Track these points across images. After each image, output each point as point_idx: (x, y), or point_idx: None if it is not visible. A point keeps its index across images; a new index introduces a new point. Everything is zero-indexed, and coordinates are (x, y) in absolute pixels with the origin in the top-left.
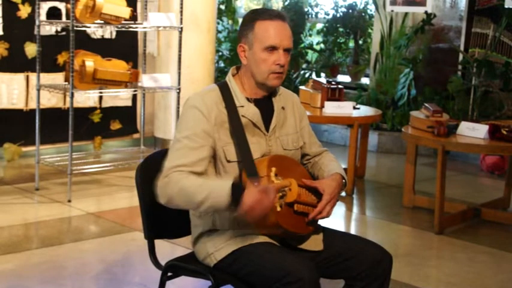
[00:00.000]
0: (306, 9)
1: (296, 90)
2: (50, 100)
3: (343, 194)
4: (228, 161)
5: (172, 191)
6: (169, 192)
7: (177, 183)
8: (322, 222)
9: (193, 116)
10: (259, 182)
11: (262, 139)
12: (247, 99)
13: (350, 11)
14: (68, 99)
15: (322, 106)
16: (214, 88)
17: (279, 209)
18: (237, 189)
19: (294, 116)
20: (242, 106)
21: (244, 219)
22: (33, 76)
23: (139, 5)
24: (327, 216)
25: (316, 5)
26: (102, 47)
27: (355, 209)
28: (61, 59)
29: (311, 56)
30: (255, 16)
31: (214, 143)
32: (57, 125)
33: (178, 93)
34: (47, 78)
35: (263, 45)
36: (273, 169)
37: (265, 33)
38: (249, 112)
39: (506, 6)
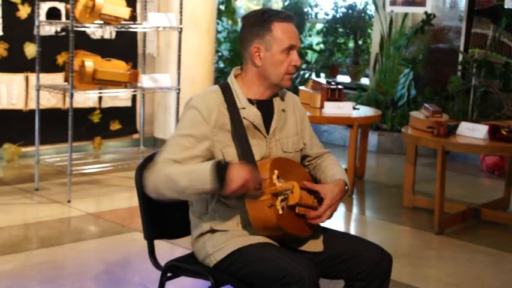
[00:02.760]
0: (305, 10)
1: (296, 91)
2: (50, 100)
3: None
4: None
5: (156, 179)
6: (154, 181)
7: (160, 172)
8: (322, 223)
9: (192, 116)
10: (261, 185)
11: (263, 141)
12: (250, 100)
13: (350, 11)
14: (67, 99)
15: (322, 106)
16: (216, 89)
17: (281, 211)
18: (220, 167)
19: (294, 117)
20: (244, 108)
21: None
22: (32, 76)
23: (138, 5)
24: (323, 221)
25: (316, 6)
26: (102, 48)
27: (355, 210)
28: (61, 59)
29: (311, 56)
30: (269, 17)
31: (212, 146)
32: (56, 125)
33: (178, 93)
34: (47, 78)
35: (283, 47)
36: (275, 172)
37: (285, 34)
38: (250, 114)
39: (506, 7)
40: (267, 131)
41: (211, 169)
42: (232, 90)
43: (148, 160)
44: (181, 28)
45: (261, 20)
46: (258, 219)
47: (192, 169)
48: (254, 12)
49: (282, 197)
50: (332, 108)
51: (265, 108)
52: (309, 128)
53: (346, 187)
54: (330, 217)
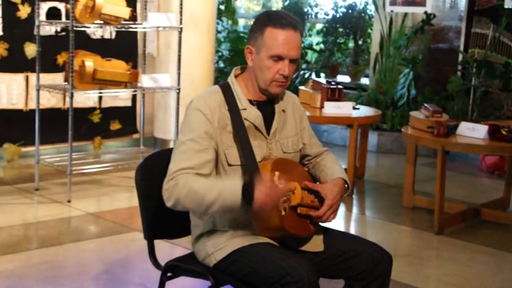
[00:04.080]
0: (305, 10)
1: (296, 91)
2: (50, 100)
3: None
4: (230, 165)
5: (180, 193)
6: (176, 194)
7: (185, 185)
8: (325, 223)
9: (196, 118)
10: (288, 198)
11: (263, 142)
12: (250, 101)
13: (350, 11)
14: (67, 99)
15: (322, 106)
16: (216, 90)
17: (283, 212)
18: (247, 188)
19: (294, 117)
20: (245, 109)
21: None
22: (32, 76)
23: (139, 5)
24: (328, 221)
25: (316, 5)
26: (102, 47)
27: (354, 209)
28: (61, 59)
29: (311, 56)
30: (267, 21)
31: (216, 146)
32: (56, 125)
33: (178, 93)
34: (47, 78)
35: (269, 53)
36: (276, 173)
37: (274, 41)
38: (251, 115)
39: (506, 7)
40: (268, 132)
41: (240, 186)
42: (232, 90)
43: (148, 160)
44: (181, 28)
45: (260, 22)
46: (260, 220)
47: (221, 185)
48: (263, 13)
49: (284, 198)
50: (332, 108)
51: (266, 108)
52: (308, 127)
53: (346, 185)
54: (333, 217)
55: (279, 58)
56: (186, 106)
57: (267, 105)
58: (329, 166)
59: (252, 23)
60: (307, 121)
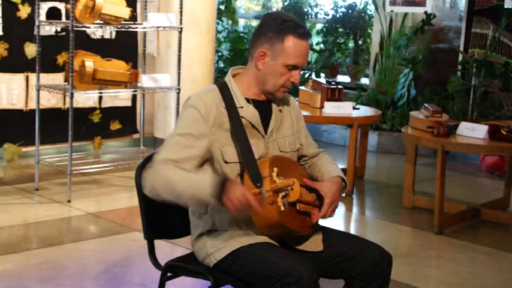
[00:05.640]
0: (305, 10)
1: (296, 91)
2: (50, 100)
3: (343, 194)
4: (226, 162)
5: (155, 180)
6: (153, 182)
7: (160, 174)
8: (322, 223)
9: (190, 115)
10: (261, 183)
11: (260, 141)
12: (247, 100)
13: (350, 11)
14: (67, 99)
15: (322, 106)
16: (213, 88)
17: (282, 208)
18: (220, 183)
19: (290, 118)
20: (242, 107)
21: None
22: (33, 76)
23: (139, 5)
24: (329, 217)
25: (316, 5)
26: (102, 47)
27: (354, 209)
28: (61, 59)
29: (311, 56)
30: (286, 28)
31: (210, 144)
32: (57, 125)
33: (178, 93)
34: (47, 78)
35: (287, 62)
36: (275, 169)
37: (294, 51)
38: (248, 113)
39: (506, 7)
40: (265, 131)
41: (212, 179)
42: (230, 89)
43: (148, 160)
44: (181, 28)
45: (277, 28)
46: (260, 217)
47: (193, 176)
48: (276, 15)
49: (283, 193)
50: (332, 108)
51: (262, 107)
52: (305, 128)
53: (344, 183)
54: (332, 215)
55: (294, 68)
56: (183, 102)
57: (264, 104)
58: (325, 166)
59: (253, 23)
60: (304, 122)
